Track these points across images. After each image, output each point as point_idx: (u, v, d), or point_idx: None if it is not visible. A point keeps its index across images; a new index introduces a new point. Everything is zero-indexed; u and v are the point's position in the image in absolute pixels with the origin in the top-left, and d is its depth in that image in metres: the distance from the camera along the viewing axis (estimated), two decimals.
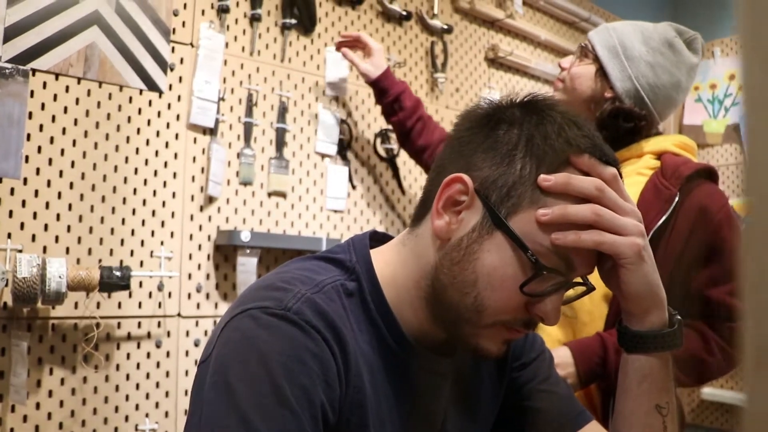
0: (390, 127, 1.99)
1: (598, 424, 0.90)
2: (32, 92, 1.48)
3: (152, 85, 1.66)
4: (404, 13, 2.22)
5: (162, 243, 1.64)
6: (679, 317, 0.80)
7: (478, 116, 0.76)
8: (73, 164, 1.52)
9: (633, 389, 0.79)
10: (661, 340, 0.78)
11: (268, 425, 0.62)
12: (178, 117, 1.70)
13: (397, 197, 2.19)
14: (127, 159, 1.60)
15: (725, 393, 3.17)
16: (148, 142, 1.64)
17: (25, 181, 1.46)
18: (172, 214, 1.67)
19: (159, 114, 1.67)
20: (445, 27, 2.35)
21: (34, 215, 1.46)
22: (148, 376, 1.60)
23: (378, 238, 0.86)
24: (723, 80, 3.26)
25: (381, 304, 0.77)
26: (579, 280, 0.75)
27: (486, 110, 0.76)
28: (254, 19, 1.86)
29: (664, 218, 1.29)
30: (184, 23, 1.73)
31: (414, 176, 2.25)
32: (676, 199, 1.30)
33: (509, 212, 0.70)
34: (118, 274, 1.44)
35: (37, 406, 1.43)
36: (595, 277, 0.77)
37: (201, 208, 1.73)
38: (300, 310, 0.68)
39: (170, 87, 1.69)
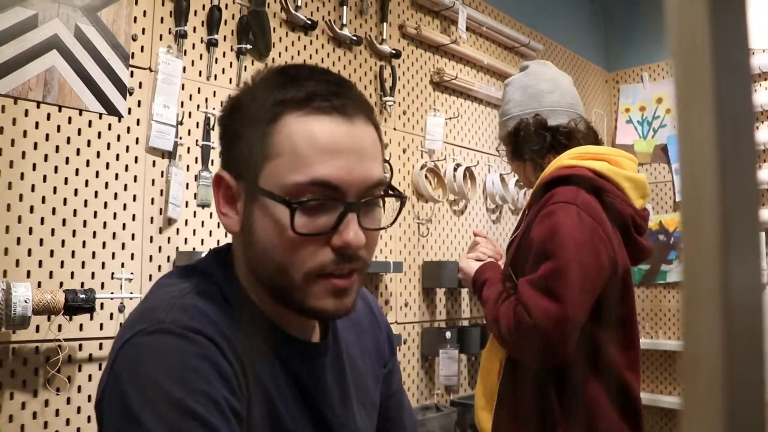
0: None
1: None
2: None
3: (112, 109, 1.68)
4: (354, 38, 2.30)
5: (123, 265, 1.66)
6: None
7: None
8: (33, 188, 1.53)
9: None
10: None
11: None
12: (137, 140, 1.72)
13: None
14: (87, 182, 1.62)
15: (664, 398, 3.35)
16: (108, 166, 1.66)
17: None
18: (132, 236, 1.69)
19: (118, 138, 1.69)
20: (393, 52, 2.44)
21: None
22: None
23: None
24: (651, 103, 3.46)
25: (241, 299, 0.76)
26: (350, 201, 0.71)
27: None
28: (211, 44, 1.90)
29: (519, 231, 1.48)
30: (142, 48, 1.76)
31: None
32: (527, 211, 1.48)
33: (256, 175, 0.71)
34: (82, 296, 1.45)
35: None
36: None
37: (160, 230, 1.75)
38: (174, 318, 0.69)
39: (129, 111, 1.72)
